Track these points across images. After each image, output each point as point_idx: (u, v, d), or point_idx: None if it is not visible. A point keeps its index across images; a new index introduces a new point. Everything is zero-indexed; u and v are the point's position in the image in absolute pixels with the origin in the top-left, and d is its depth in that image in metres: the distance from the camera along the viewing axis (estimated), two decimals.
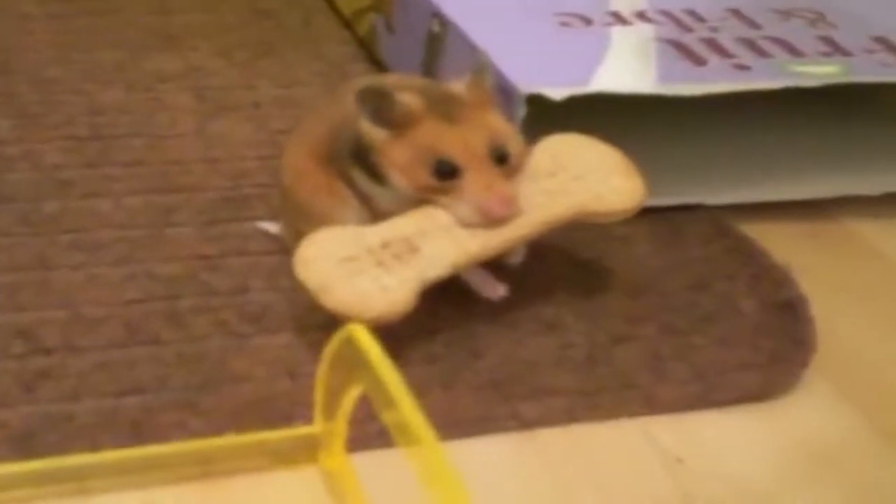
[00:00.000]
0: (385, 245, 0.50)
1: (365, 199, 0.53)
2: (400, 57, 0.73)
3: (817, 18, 0.68)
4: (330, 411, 0.41)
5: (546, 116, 0.56)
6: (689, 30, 0.65)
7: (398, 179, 0.51)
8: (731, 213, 0.64)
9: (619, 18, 0.66)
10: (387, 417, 0.37)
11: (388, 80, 0.58)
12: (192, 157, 0.67)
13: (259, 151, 0.67)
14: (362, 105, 0.50)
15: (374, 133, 0.51)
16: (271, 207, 0.61)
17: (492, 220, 0.51)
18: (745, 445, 0.49)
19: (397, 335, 0.52)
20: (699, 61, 0.61)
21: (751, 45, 0.63)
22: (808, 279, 0.58)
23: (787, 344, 0.53)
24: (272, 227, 0.59)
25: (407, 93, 0.51)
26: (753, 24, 0.66)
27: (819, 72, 0.61)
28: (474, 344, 0.53)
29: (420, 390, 0.48)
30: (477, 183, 0.50)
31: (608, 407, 0.50)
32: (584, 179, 0.53)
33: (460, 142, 0.50)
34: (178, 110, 0.72)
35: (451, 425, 0.48)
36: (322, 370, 0.41)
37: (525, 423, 0.49)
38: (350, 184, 0.53)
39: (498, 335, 0.53)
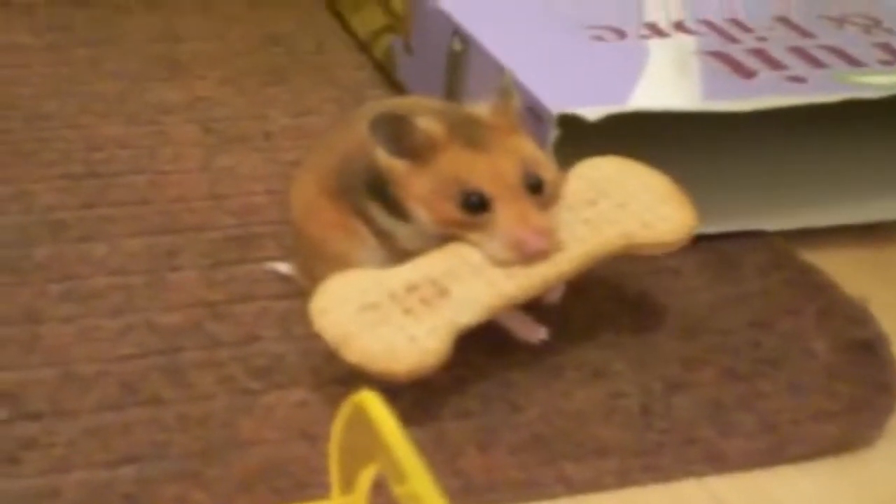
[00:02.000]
0: (410, 289, 0.44)
1: (384, 237, 0.47)
2: (420, 79, 0.68)
3: (872, 25, 0.62)
4: (347, 483, 0.36)
5: (578, 140, 0.51)
6: (733, 40, 0.59)
7: (421, 214, 0.45)
8: (792, 241, 0.58)
9: (655, 30, 0.60)
10: (398, 490, 0.31)
11: (405, 103, 0.52)
12: (196, 194, 0.61)
13: (269, 185, 0.62)
14: (377, 133, 0.45)
15: (392, 164, 0.46)
16: (283, 246, 0.56)
17: (528, 257, 0.45)
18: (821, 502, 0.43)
19: (427, 387, 0.47)
20: (748, 74, 0.55)
21: (803, 54, 0.58)
22: (884, 314, 0.52)
23: (867, 389, 0.47)
24: (284, 268, 0.53)
25: (426, 117, 0.46)
26: (805, 33, 0.60)
27: (882, 82, 0.55)
28: (513, 396, 0.47)
29: (454, 451, 0.44)
30: (510, 215, 0.44)
31: (667, 466, 0.44)
32: (628, 207, 0.47)
33: (489, 170, 0.45)
34: (183, 144, 0.67)
35: (489, 490, 0.42)
36: (334, 440, 0.36)
37: (574, 488, 0.43)
38: (367, 220, 0.47)
39: (539, 385, 0.48)
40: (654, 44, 0.58)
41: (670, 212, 0.48)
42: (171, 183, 0.62)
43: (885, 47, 0.59)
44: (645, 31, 0.60)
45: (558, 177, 0.47)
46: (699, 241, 0.57)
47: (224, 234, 0.57)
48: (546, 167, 0.46)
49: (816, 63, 0.57)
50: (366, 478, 0.33)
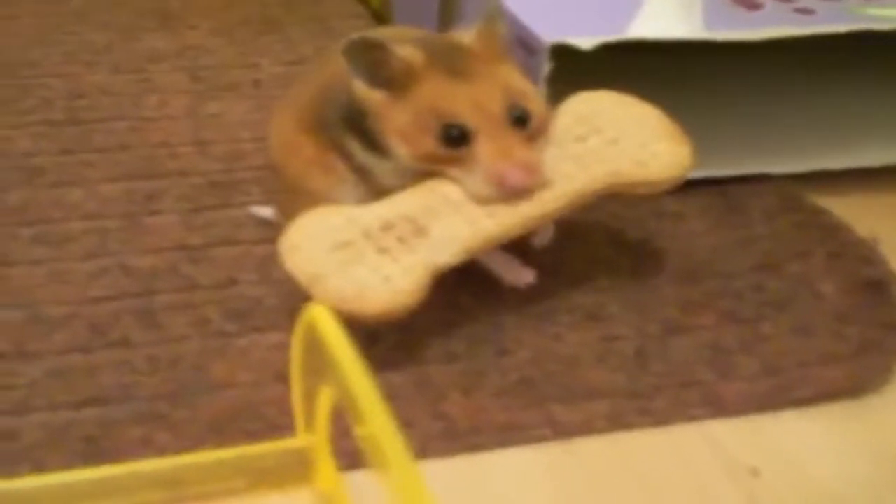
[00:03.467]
0: (386, 227, 0.42)
1: (363, 174, 0.45)
2: (416, 21, 0.65)
3: None
4: (310, 418, 0.33)
5: (572, 74, 0.48)
6: None
7: (399, 148, 0.43)
8: (801, 184, 0.56)
9: None
10: (358, 430, 0.28)
11: (384, 32, 0.49)
12: (180, 139, 0.59)
13: (256, 132, 0.60)
14: (353, 61, 0.42)
15: (369, 94, 0.43)
16: (267, 191, 0.54)
17: (511, 193, 0.42)
18: (831, 452, 0.40)
19: (411, 329, 0.44)
20: (753, 5, 0.53)
21: None
22: (895, 256, 0.50)
23: (876, 330, 0.45)
24: (266, 212, 0.51)
25: (405, 45, 0.43)
26: None
27: (892, 13, 0.52)
28: (501, 339, 0.45)
29: (437, 394, 0.41)
30: (492, 149, 0.42)
31: (663, 410, 0.42)
32: (620, 144, 0.45)
33: (470, 101, 0.42)
34: (169, 91, 0.64)
35: (473, 434, 0.40)
36: (293, 368, 0.33)
37: (562, 431, 0.40)
38: (345, 155, 0.45)
39: (529, 328, 0.45)
40: None
41: (665, 149, 0.45)
42: (154, 129, 0.60)
43: None
44: None
45: (546, 110, 0.44)
46: (703, 184, 0.55)
47: (207, 180, 0.55)
48: (532, 98, 0.44)
49: None
50: (323, 409, 0.30)
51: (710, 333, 0.45)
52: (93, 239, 0.50)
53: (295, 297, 0.46)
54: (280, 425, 0.39)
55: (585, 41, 0.47)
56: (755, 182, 0.55)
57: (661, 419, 0.41)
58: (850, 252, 0.49)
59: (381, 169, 0.44)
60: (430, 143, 0.42)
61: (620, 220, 0.53)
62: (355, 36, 0.42)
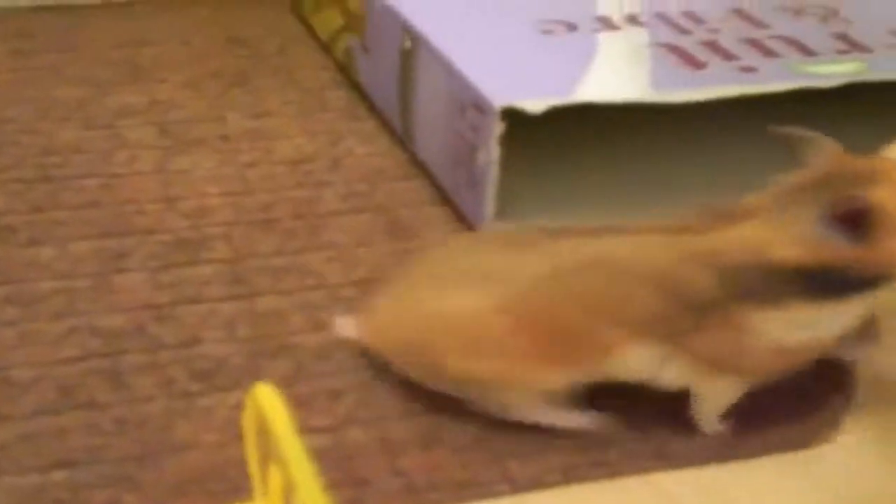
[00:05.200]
0: None
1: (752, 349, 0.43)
2: (377, 78, 0.67)
3: (830, 14, 0.61)
4: (265, 483, 0.35)
5: (528, 134, 0.50)
6: (686, 32, 0.58)
7: None
8: None
9: (607, 24, 0.59)
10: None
11: (723, 207, 0.44)
12: (148, 196, 0.60)
13: (224, 187, 0.61)
14: (842, 225, 0.40)
15: (845, 251, 0.41)
16: (234, 248, 0.55)
17: None
18: (775, 495, 0.42)
19: (370, 387, 0.46)
20: (698, 65, 0.55)
21: (757, 45, 0.57)
22: None
23: (824, 386, 0.46)
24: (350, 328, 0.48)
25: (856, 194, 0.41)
26: (760, 24, 0.59)
27: (835, 71, 0.54)
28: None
29: (397, 450, 0.43)
30: None
31: (615, 462, 0.43)
32: None
33: None
34: (139, 147, 0.66)
35: (431, 490, 0.42)
36: (246, 436, 0.35)
37: (518, 486, 0.42)
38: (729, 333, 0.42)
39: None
40: (605, 37, 0.57)
41: None
42: (123, 185, 0.61)
43: (842, 37, 0.58)
44: (596, 25, 0.59)
45: None
46: None
47: (175, 237, 0.57)
48: None
49: (769, 53, 0.56)
50: (275, 482, 0.32)
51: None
52: (63, 299, 0.51)
53: (260, 356, 0.48)
54: (243, 487, 0.40)
55: (534, 104, 0.49)
56: None
57: (613, 471, 0.43)
58: None
59: (823, 321, 0.42)
60: None
61: None
62: (841, 200, 0.41)
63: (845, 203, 0.40)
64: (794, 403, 0.46)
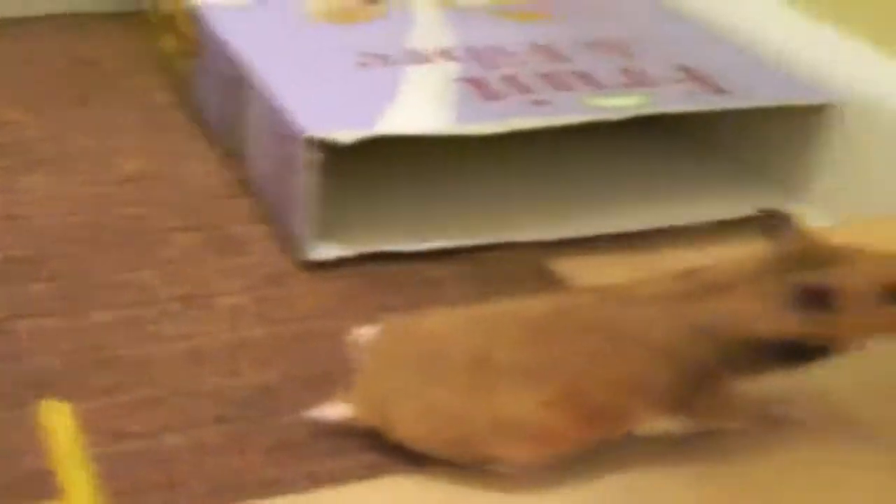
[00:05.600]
0: None
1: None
2: (211, 102, 0.71)
3: (623, 49, 0.67)
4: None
5: (346, 159, 0.54)
6: (493, 66, 0.64)
7: (862, 338, 0.47)
8: (548, 251, 0.63)
9: (418, 57, 0.64)
10: None
11: (716, 276, 0.49)
12: None
13: (61, 206, 0.64)
14: (803, 305, 0.46)
15: (809, 324, 0.46)
16: (66, 268, 0.58)
17: None
18: None
19: (188, 394, 0.50)
20: (497, 98, 0.60)
21: (553, 79, 0.63)
22: None
23: None
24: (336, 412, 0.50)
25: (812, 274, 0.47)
26: (559, 58, 0.65)
27: (620, 104, 0.60)
28: (269, 402, 0.51)
29: (210, 454, 0.47)
30: None
31: (412, 459, 0.48)
32: None
33: (883, 264, 0.47)
34: None
35: (239, 489, 0.46)
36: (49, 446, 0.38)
37: (318, 482, 0.46)
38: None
39: (299, 391, 0.51)
40: (414, 70, 0.62)
41: None
42: None
43: (631, 71, 0.64)
44: (409, 59, 0.64)
45: None
46: (458, 253, 0.62)
47: (5, 255, 0.60)
48: None
49: (564, 87, 0.62)
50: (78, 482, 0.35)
51: None
52: None
53: (86, 368, 0.51)
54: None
55: (344, 136, 0.54)
56: (507, 250, 0.63)
57: (412, 469, 0.48)
58: None
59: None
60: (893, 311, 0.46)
61: (388, 286, 0.59)
62: (798, 284, 0.46)
63: (814, 284, 0.46)
64: None
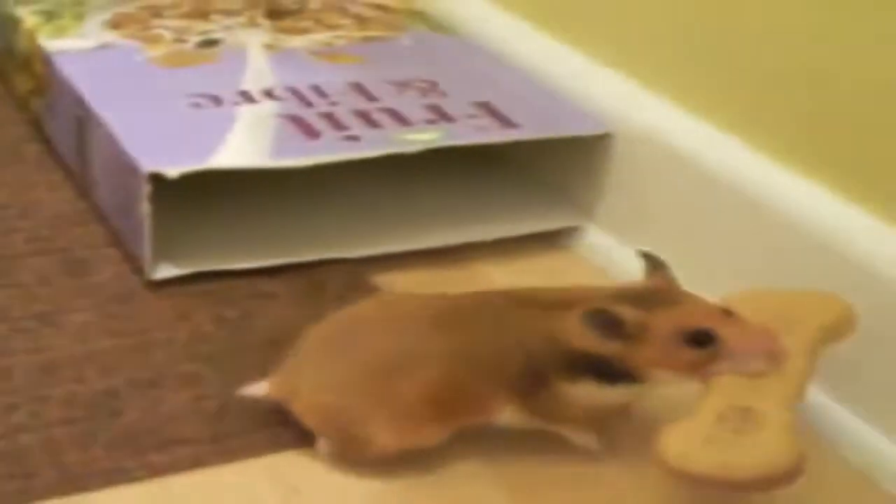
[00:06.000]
0: (721, 419, 0.50)
1: (567, 406, 0.55)
2: (61, 136, 0.78)
3: (430, 88, 0.76)
4: None
5: (188, 186, 0.63)
6: (310, 105, 0.72)
7: (659, 373, 0.53)
8: (369, 266, 0.72)
9: (247, 97, 0.73)
10: None
11: (573, 294, 0.56)
12: None
13: None
14: (597, 329, 0.52)
15: (606, 347, 0.53)
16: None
17: (776, 357, 0.52)
18: (358, 469, 0.56)
19: (41, 400, 0.57)
20: (314, 134, 0.69)
21: (364, 116, 0.72)
22: None
23: None
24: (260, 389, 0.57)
25: (624, 307, 0.53)
26: (371, 97, 0.74)
27: (421, 138, 0.69)
28: (115, 404, 0.58)
29: (58, 450, 0.54)
30: (739, 334, 0.52)
31: (235, 450, 0.56)
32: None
33: (697, 312, 0.53)
34: None
35: (86, 477, 0.53)
36: None
37: (154, 471, 0.54)
38: (543, 398, 0.55)
39: (139, 394, 0.59)
40: (243, 109, 0.71)
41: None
42: None
43: (434, 108, 0.74)
44: (238, 99, 0.72)
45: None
46: (292, 268, 0.70)
47: None
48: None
49: (374, 124, 0.71)
50: None
51: None
52: None
53: None
54: None
55: (173, 170, 0.62)
56: (333, 265, 0.71)
57: (233, 457, 0.56)
58: None
59: (611, 395, 0.54)
60: (686, 353, 0.52)
61: (224, 300, 0.67)
62: (593, 309, 0.52)
63: (609, 313, 0.52)
64: None
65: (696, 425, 0.50)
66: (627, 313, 0.52)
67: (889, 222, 0.60)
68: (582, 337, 0.53)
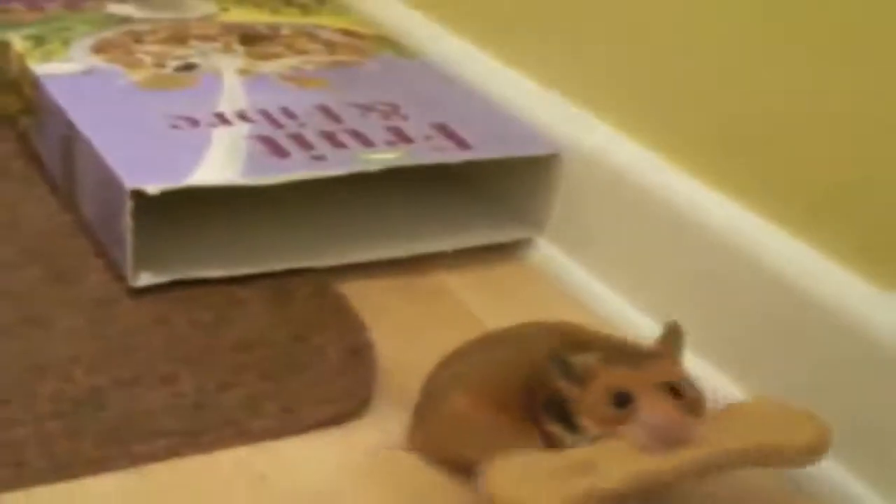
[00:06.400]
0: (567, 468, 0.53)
1: (553, 444, 0.57)
2: (48, 153, 0.84)
3: (392, 111, 0.83)
4: None
5: (166, 201, 0.69)
6: (280, 126, 0.78)
7: (585, 421, 0.55)
8: (337, 275, 0.78)
9: (222, 119, 0.79)
10: None
11: (583, 335, 0.60)
12: None
13: None
14: (556, 370, 0.56)
15: (569, 390, 0.56)
16: None
17: (666, 440, 0.52)
18: (320, 459, 0.62)
19: (31, 395, 0.63)
20: (283, 154, 0.75)
21: (330, 137, 0.78)
22: (393, 324, 0.73)
23: (358, 381, 0.67)
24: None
25: (587, 353, 0.56)
26: (336, 119, 0.81)
27: (382, 158, 0.75)
28: (101, 399, 0.64)
29: (48, 442, 0.60)
30: (650, 406, 0.53)
31: (208, 442, 0.62)
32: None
33: (635, 377, 0.55)
34: None
35: (75, 465, 0.59)
36: None
37: (135, 461, 0.60)
38: (543, 435, 0.57)
39: (121, 391, 0.65)
40: (217, 131, 0.77)
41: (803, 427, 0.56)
42: None
43: (394, 130, 0.80)
44: (214, 120, 0.78)
45: (701, 396, 0.56)
46: (264, 277, 0.76)
47: None
48: (691, 385, 0.56)
49: (339, 144, 0.77)
50: None
51: (250, 388, 0.66)
52: None
53: None
54: None
55: (153, 188, 0.68)
56: (302, 274, 0.77)
57: (207, 449, 0.62)
58: (348, 326, 0.72)
59: (571, 443, 0.55)
60: (604, 409, 0.54)
61: (201, 305, 0.73)
62: (559, 358, 0.56)
63: (556, 355, 0.56)
64: (337, 394, 0.66)
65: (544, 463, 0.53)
66: (580, 360, 0.56)
67: (806, 240, 0.67)
68: (551, 379, 0.57)
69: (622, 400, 0.54)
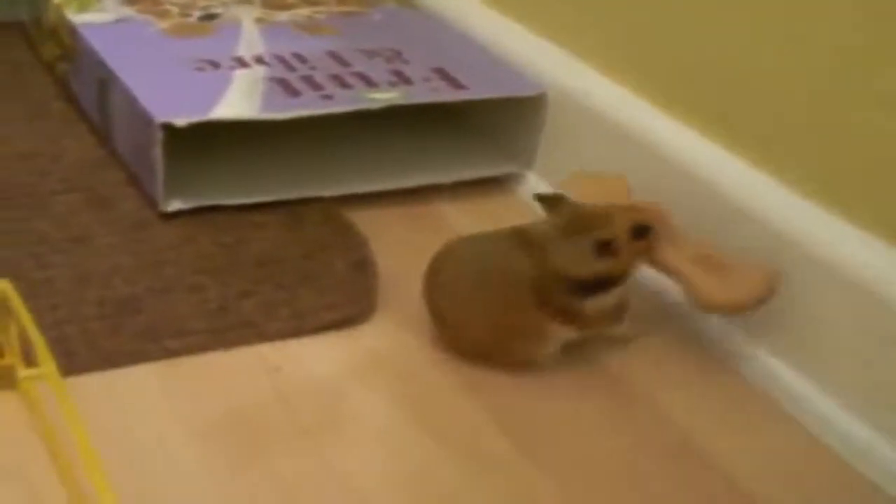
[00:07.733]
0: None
1: (571, 320, 0.71)
2: (85, 95, 0.93)
3: (394, 56, 0.91)
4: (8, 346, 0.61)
5: (194, 135, 0.78)
6: (292, 69, 0.87)
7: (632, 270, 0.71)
8: (344, 203, 0.87)
9: (241, 62, 0.88)
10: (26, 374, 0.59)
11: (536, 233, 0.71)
12: None
13: None
14: (597, 255, 0.69)
15: (598, 265, 0.69)
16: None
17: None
18: (328, 356, 0.71)
19: (82, 301, 0.72)
20: (295, 93, 0.84)
21: (338, 79, 0.86)
22: (394, 244, 0.82)
23: (361, 290, 0.77)
24: None
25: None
26: (344, 63, 0.89)
27: (384, 97, 0.84)
28: (134, 304, 0.73)
29: (92, 336, 0.70)
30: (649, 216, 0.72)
31: (231, 340, 0.71)
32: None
33: (623, 213, 0.71)
34: None
35: (116, 357, 0.68)
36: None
37: (170, 353, 0.70)
38: (569, 314, 0.70)
39: (155, 298, 0.74)
40: (238, 73, 0.86)
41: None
42: None
43: (396, 72, 0.89)
44: (233, 63, 0.87)
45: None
46: (279, 204, 0.85)
47: None
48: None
49: (345, 85, 0.86)
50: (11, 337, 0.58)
51: (267, 296, 0.75)
52: None
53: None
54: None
55: (180, 120, 0.77)
56: (312, 202, 0.86)
57: (230, 345, 0.71)
58: (352, 244, 0.81)
59: (591, 305, 0.70)
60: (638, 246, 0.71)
61: (224, 228, 0.82)
62: (591, 242, 0.69)
63: (603, 239, 0.69)
64: (343, 301, 0.75)
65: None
66: (609, 235, 0.69)
67: (759, 166, 0.75)
68: (583, 265, 0.69)
69: (643, 230, 0.71)
